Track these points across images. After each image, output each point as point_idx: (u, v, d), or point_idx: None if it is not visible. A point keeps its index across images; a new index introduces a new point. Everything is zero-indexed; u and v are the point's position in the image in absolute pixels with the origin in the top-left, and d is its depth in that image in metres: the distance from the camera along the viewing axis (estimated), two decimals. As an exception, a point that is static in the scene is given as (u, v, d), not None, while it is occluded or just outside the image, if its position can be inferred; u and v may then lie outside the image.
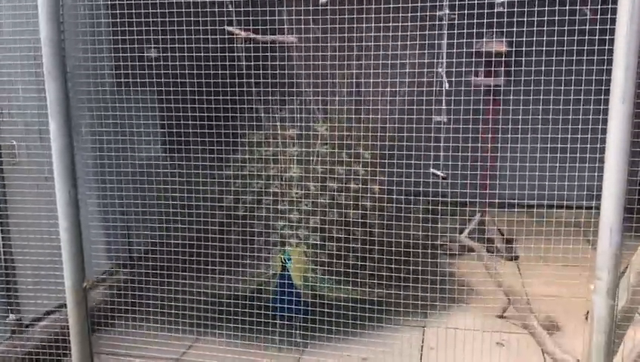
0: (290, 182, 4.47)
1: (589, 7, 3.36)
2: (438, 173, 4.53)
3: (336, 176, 4.40)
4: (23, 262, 3.88)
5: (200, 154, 3.92)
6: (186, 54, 3.46)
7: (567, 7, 3.01)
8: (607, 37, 2.55)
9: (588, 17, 3.08)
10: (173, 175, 3.98)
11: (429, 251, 3.82)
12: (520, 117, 3.23)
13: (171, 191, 3.89)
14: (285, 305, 4.10)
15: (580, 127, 3.14)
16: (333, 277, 4.26)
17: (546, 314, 4.47)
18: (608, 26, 2.44)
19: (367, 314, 3.82)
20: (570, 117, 3.14)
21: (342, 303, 3.98)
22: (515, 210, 4.13)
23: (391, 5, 3.19)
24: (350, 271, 4.31)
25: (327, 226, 4.19)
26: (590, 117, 3.05)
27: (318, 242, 4.25)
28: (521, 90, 3.25)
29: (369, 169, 4.50)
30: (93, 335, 3.22)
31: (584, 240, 3.91)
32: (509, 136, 3.27)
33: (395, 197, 4.54)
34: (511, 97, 3.28)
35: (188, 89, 3.75)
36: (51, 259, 3.55)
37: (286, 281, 4.14)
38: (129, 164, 3.78)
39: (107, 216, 4.48)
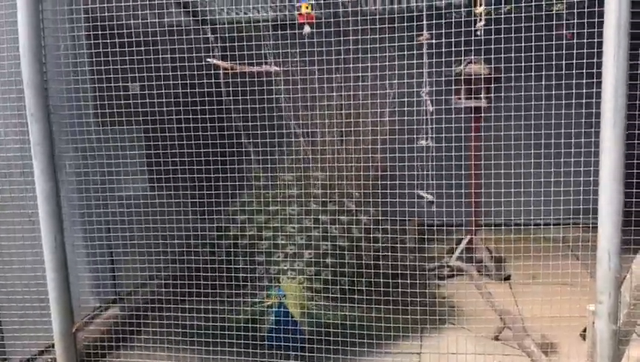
0: (284, 215, 4.49)
1: (567, 31, 3.42)
2: (426, 195, 4.55)
3: (328, 208, 4.44)
4: (9, 302, 3.84)
5: (186, 185, 3.91)
6: (167, 91, 3.47)
7: (544, 32, 3.06)
8: (594, 60, 2.59)
9: (566, 40, 3.13)
10: (159, 209, 3.97)
11: (418, 276, 3.83)
12: (502, 134, 3.26)
13: (159, 223, 3.88)
14: (282, 335, 4.08)
15: (569, 143, 3.17)
16: (329, 303, 4.25)
17: (540, 334, 4.46)
18: (595, 49, 2.48)
19: (362, 340, 3.80)
20: (561, 134, 3.18)
21: (339, 329, 3.95)
22: (503, 228, 4.15)
23: (368, 36, 3.23)
24: (343, 296, 4.31)
25: (320, 258, 4.21)
26: (581, 135, 3.08)
27: (312, 275, 4.25)
28: (508, 109, 3.28)
29: (360, 199, 4.53)
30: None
31: (573, 256, 3.93)
32: (493, 154, 3.30)
33: (380, 227, 4.55)
34: (492, 116, 3.31)
35: (169, 126, 3.75)
36: (38, 297, 3.51)
37: (282, 316, 4.10)
38: (115, 196, 3.77)
39: (95, 251, 4.45)
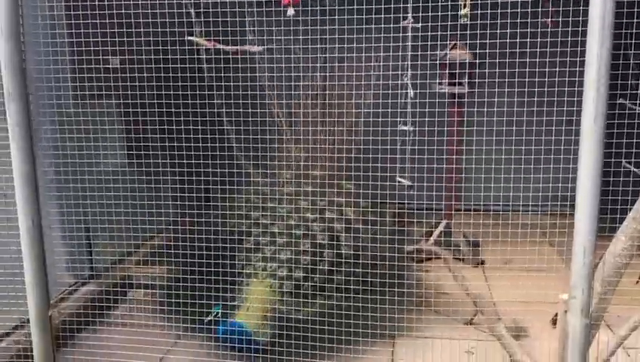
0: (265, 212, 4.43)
1: (550, 19, 3.43)
2: (405, 181, 4.57)
3: (310, 197, 4.40)
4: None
5: (163, 161, 3.87)
6: (149, 65, 3.41)
7: (529, 19, 3.07)
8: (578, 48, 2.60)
9: (550, 29, 3.15)
10: (137, 185, 3.93)
11: (397, 259, 3.85)
12: (485, 120, 3.28)
13: (137, 200, 3.84)
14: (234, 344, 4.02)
15: (549, 131, 3.20)
16: (301, 300, 4.21)
17: (512, 318, 4.53)
18: (580, 38, 2.48)
19: (334, 328, 3.79)
20: (541, 122, 3.20)
21: (309, 323, 3.92)
22: (481, 213, 4.18)
23: (355, 16, 3.21)
24: (318, 285, 4.28)
25: (300, 255, 4.18)
26: (562, 126, 3.11)
27: (284, 275, 4.21)
28: (491, 95, 3.30)
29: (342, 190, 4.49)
30: (62, 350, 3.15)
31: (547, 243, 3.99)
32: (475, 139, 3.32)
33: (360, 208, 4.54)
34: (475, 101, 3.33)
35: (149, 101, 3.70)
36: (12, 271, 3.45)
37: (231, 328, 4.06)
38: (94, 172, 3.71)
39: (71, 226, 4.41)
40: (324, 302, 4.15)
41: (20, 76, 2.83)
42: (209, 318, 3.98)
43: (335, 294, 4.13)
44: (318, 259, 4.22)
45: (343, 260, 4.18)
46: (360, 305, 3.70)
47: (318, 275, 4.22)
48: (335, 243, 4.27)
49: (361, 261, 3.89)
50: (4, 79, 2.80)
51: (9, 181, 3.00)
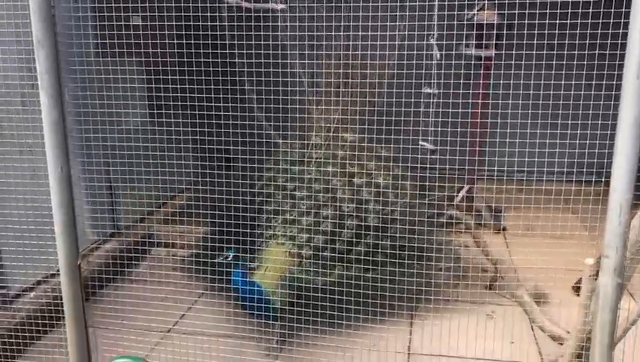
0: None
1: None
2: (428, 145, 4.51)
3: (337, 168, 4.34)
4: (7, 232, 3.85)
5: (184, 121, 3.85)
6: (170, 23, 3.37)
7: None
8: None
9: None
10: (158, 145, 3.93)
11: (417, 223, 3.81)
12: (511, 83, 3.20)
13: (158, 159, 3.84)
14: (248, 303, 3.99)
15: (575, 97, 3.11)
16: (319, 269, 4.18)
17: (533, 284, 4.51)
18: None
19: (352, 298, 3.77)
20: (569, 88, 3.12)
21: (327, 292, 3.88)
22: (505, 179, 4.12)
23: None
24: (337, 256, 4.24)
25: (319, 225, 4.14)
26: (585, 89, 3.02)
27: (304, 242, 4.16)
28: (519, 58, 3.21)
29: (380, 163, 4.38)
30: (87, 304, 3.19)
31: (569, 210, 3.93)
32: (500, 102, 3.24)
33: (391, 174, 4.48)
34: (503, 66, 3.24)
35: (170, 59, 3.67)
36: (36, 228, 3.51)
37: (246, 286, 4.01)
38: (115, 130, 3.71)
39: (93, 185, 4.45)
40: (342, 272, 4.13)
41: (49, 22, 2.79)
42: (221, 260, 3.98)
43: (354, 265, 4.09)
44: (338, 229, 4.19)
45: (371, 232, 4.13)
46: (381, 277, 3.67)
47: (337, 246, 4.19)
48: (363, 214, 4.22)
49: (389, 233, 3.84)
50: (34, 26, 2.77)
51: (37, 130, 3.00)
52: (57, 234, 3.00)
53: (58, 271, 3.02)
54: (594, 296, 3.15)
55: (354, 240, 4.18)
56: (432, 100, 3.74)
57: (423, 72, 3.32)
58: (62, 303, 3.09)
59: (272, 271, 4.08)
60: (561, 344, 3.86)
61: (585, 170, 3.16)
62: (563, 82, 3.06)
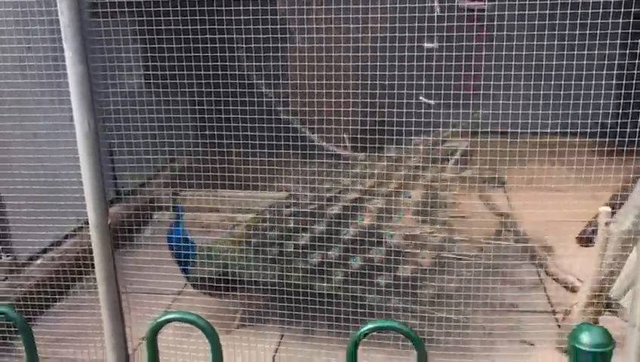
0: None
1: None
2: (427, 100, 4.48)
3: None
4: (12, 200, 3.90)
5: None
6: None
7: None
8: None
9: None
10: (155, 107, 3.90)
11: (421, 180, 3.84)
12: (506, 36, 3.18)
13: (155, 122, 3.82)
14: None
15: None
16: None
17: (540, 236, 4.55)
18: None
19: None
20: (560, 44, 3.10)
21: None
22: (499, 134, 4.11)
23: None
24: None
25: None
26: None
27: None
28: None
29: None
30: (116, 254, 3.18)
31: (567, 163, 3.94)
32: (494, 54, 3.22)
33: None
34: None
35: (165, 18, 3.61)
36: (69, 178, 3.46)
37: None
38: (110, 93, 3.69)
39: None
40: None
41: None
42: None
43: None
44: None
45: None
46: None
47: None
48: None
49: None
50: None
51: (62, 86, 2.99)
52: (85, 188, 2.95)
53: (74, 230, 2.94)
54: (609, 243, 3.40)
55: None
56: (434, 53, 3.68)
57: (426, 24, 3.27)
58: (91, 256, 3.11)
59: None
60: (575, 291, 3.95)
61: (579, 120, 3.17)
62: (557, 32, 3.04)
